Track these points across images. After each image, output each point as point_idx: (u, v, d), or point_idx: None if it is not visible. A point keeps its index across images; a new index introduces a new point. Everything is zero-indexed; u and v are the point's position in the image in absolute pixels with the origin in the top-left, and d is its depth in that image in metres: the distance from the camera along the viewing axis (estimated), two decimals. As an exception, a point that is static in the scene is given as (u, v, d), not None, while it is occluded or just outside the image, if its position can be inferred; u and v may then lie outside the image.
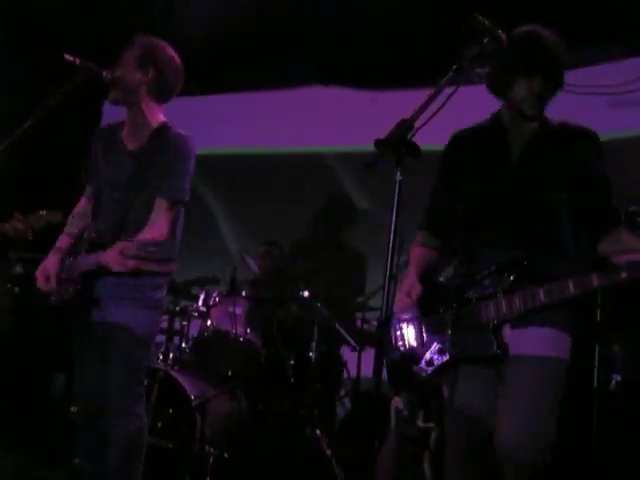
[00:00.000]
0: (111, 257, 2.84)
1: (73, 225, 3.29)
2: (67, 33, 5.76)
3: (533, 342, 2.34)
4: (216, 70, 6.38)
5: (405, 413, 4.21)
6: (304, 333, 4.86)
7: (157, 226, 3.00)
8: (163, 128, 3.15)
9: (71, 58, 3.05)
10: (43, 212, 3.24)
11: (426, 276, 2.55)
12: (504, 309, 2.33)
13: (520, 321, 2.35)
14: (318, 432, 4.51)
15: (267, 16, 5.87)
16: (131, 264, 2.82)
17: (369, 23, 5.61)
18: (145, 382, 3.20)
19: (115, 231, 3.02)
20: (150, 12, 5.94)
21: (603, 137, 2.60)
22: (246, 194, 6.53)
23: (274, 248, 5.72)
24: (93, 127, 6.72)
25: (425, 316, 2.50)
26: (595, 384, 3.84)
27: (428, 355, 2.45)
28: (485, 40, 2.30)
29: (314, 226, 6.22)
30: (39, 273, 3.13)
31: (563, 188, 2.44)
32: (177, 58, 3.20)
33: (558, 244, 2.45)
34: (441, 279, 2.64)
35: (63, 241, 3.24)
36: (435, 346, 2.44)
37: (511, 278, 2.35)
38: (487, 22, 2.31)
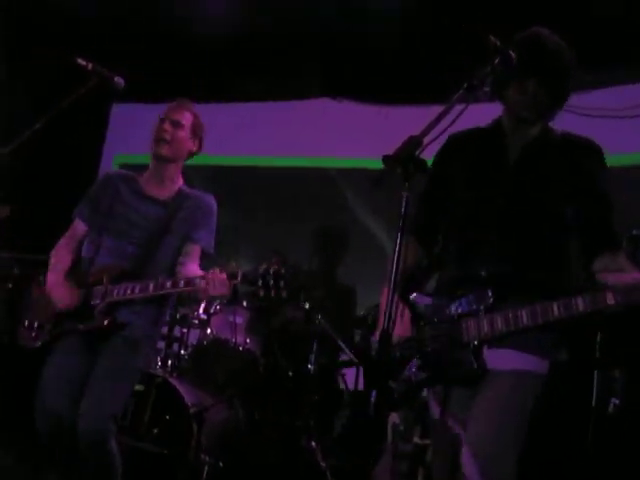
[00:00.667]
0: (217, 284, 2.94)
1: (59, 263, 3.37)
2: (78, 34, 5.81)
3: (508, 358, 2.27)
4: (226, 80, 6.40)
5: (401, 428, 4.21)
6: (304, 345, 4.85)
7: (194, 267, 3.25)
8: (187, 188, 3.45)
9: (83, 62, 3.11)
10: None
11: (408, 288, 2.47)
12: (485, 329, 2.25)
13: (499, 342, 2.27)
14: (314, 444, 4.50)
15: (278, 28, 5.90)
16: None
17: (381, 38, 5.63)
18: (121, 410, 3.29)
19: (141, 267, 3.22)
20: (163, 20, 5.96)
21: (609, 159, 2.54)
22: (248, 204, 6.54)
23: (279, 257, 5.71)
24: (100, 130, 6.82)
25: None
26: (593, 407, 3.83)
27: (406, 372, 2.40)
28: (496, 60, 2.30)
29: (316, 239, 6.22)
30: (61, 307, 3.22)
31: (562, 197, 2.37)
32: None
33: (549, 255, 2.38)
34: (423, 292, 2.54)
35: (58, 275, 3.32)
36: (414, 362, 2.38)
37: (493, 296, 2.27)
38: (499, 42, 2.31)
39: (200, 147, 3.47)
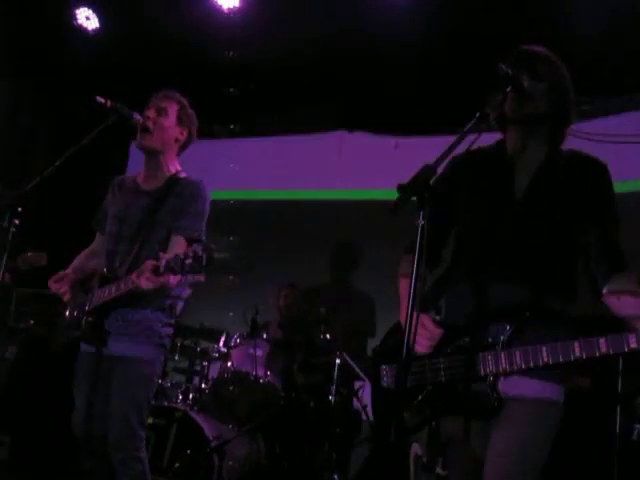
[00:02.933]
0: (143, 277, 2.85)
1: (79, 262, 3.37)
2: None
3: (525, 386, 2.22)
4: (243, 114, 6.49)
5: (424, 460, 4.16)
6: (324, 377, 4.84)
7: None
8: (178, 175, 3.31)
9: (102, 100, 3.15)
10: (30, 254, 3.30)
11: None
12: (503, 364, 2.19)
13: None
14: (336, 477, 4.48)
15: (295, 62, 5.98)
16: (161, 280, 2.84)
17: (393, 71, 5.70)
18: (149, 422, 3.24)
19: (128, 265, 3.11)
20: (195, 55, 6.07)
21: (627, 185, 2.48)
22: (262, 237, 6.58)
23: (294, 290, 5.76)
24: (121, 167, 6.91)
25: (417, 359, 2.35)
26: (617, 434, 3.78)
27: (417, 403, 2.34)
28: (508, 89, 2.31)
29: (329, 271, 6.24)
30: (52, 279, 3.20)
31: (572, 223, 2.32)
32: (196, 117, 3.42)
33: (562, 282, 2.33)
34: (436, 318, 2.46)
35: (72, 269, 3.31)
36: (425, 393, 2.33)
37: (511, 329, 2.23)
38: (510, 71, 2.32)
39: (190, 136, 3.35)
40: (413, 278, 1.93)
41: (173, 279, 2.88)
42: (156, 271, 2.77)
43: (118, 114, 3.18)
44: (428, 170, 1.96)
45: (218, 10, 5.79)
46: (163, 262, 2.73)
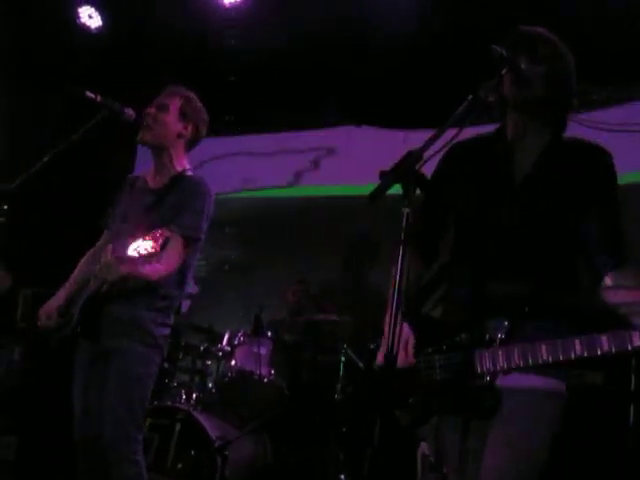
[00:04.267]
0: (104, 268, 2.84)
1: (79, 271, 3.32)
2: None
3: (524, 378, 2.13)
4: (249, 109, 6.43)
5: (431, 459, 4.08)
6: (330, 375, 4.76)
7: (168, 259, 3.01)
8: (184, 172, 3.24)
9: (92, 95, 3.09)
10: None
11: (412, 309, 2.34)
12: (501, 362, 2.11)
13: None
14: (343, 477, 4.40)
15: (299, 56, 5.92)
16: (125, 269, 2.84)
17: (400, 63, 5.62)
18: (144, 427, 3.22)
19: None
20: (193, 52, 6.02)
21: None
22: (270, 235, 6.52)
23: (304, 285, 5.69)
24: (127, 165, 6.89)
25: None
26: (630, 430, 3.70)
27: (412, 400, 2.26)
28: (503, 71, 2.22)
29: (338, 268, 6.17)
30: (42, 311, 3.15)
31: (574, 213, 2.22)
32: (205, 111, 3.34)
33: (563, 273, 2.24)
34: (430, 313, 2.40)
35: (70, 284, 3.25)
36: (420, 392, 2.24)
37: (509, 325, 2.14)
38: (505, 52, 2.23)
39: (196, 132, 3.28)
40: (399, 266, 1.85)
41: (147, 268, 2.85)
42: (120, 260, 2.73)
43: (109, 109, 3.13)
44: (412, 156, 1.88)
45: (221, 6, 5.75)
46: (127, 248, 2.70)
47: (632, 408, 3.80)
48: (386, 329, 2.02)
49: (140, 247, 2.80)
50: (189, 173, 3.26)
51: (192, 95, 3.33)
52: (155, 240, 2.79)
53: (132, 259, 2.81)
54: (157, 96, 3.32)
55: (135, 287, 3.00)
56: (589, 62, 2.52)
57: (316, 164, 6.53)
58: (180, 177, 3.22)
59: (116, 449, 2.97)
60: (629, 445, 3.68)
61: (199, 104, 3.33)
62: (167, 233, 2.84)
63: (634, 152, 4.77)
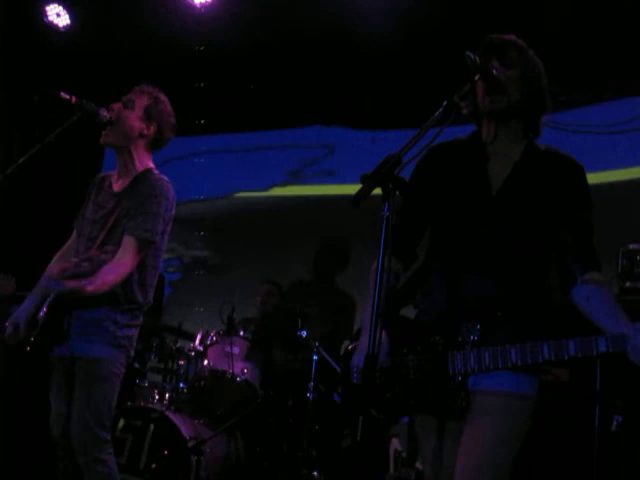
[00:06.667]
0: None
1: (50, 269, 3.30)
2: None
3: (497, 380, 2.20)
4: (214, 109, 6.43)
5: (404, 454, 4.14)
6: (302, 374, 4.80)
7: (120, 264, 3.03)
8: (146, 172, 3.23)
9: (67, 96, 3.08)
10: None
11: (389, 309, 2.40)
12: (472, 363, 2.18)
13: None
14: (316, 474, 4.44)
15: (269, 56, 5.93)
16: (71, 284, 2.89)
17: (370, 63, 5.66)
18: (113, 426, 3.24)
19: (89, 266, 3.06)
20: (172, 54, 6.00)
21: (604, 176, 2.47)
22: (241, 235, 6.53)
23: (273, 287, 5.71)
24: (96, 167, 6.84)
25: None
26: (596, 424, 3.77)
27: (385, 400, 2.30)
28: (476, 77, 2.27)
29: (309, 268, 6.19)
30: (9, 323, 3.12)
31: (547, 221, 2.28)
32: (173, 115, 3.33)
33: (534, 280, 2.30)
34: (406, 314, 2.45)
35: (35, 291, 3.22)
36: (394, 391, 2.29)
37: (480, 328, 2.20)
38: (478, 59, 2.28)
39: (160, 133, 3.25)
40: (378, 272, 1.89)
41: (96, 282, 2.92)
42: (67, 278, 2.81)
43: (84, 110, 3.12)
44: (392, 160, 1.92)
45: (190, 5, 5.72)
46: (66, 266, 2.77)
47: (597, 403, 3.87)
48: (367, 324, 2.05)
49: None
50: (153, 172, 3.23)
51: (163, 97, 3.31)
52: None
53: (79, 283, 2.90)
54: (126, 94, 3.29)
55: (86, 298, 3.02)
56: (557, 65, 2.58)
57: (285, 164, 6.55)
58: (141, 178, 3.20)
59: (85, 450, 2.99)
60: (595, 438, 3.75)
61: (168, 107, 3.31)
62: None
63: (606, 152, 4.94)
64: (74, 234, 3.36)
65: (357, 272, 5.73)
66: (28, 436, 5.15)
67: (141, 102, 3.23)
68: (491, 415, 2.19)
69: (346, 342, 5.03)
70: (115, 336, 3.07)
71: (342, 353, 2.61)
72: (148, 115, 3.23)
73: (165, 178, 3.21)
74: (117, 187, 3.24)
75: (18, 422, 5.37)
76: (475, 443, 2.18)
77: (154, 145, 3.31)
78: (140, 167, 3.24)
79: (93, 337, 3.04)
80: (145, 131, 3.23)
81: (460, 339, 2.23)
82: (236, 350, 4.74)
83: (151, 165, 3.28)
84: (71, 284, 2.93)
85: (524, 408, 2.25)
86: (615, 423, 3.74)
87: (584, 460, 3.77)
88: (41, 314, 3.00)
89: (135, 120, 3.20)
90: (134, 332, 3.18)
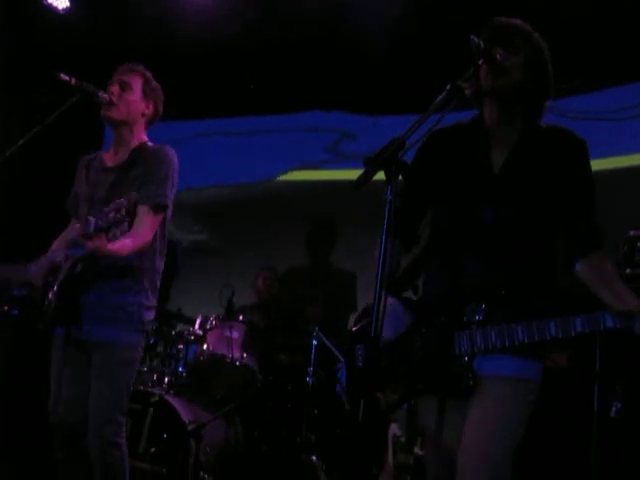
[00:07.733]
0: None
1: (52, 252, 3.24)
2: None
3: (502, 364, 2.21)
4: (216, 94, 6.39)
5: (402, 440, 4.14)
6: (301, 358, 4.80)
7: (140, 233, 2.99)
8: (144, 144, 3.24)
9: (66, 77, 3.07)
10: None
11: (392, 293, 2.35)
12: (478, 343, 2.18)
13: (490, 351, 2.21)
14: (315, 459, 4.45)
15: (268, 42, 5.90)
16: (92, 244, 2.74)
17: (370, 47, 5.62)
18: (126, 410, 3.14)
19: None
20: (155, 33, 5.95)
21: (605, 163, 2.46)
22: (239, 220, 6.51)
23: (272, 272, 5.72)
24: (96, 147, 6.80)
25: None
26: (595, 409, 3.78)
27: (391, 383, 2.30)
28: (480, 61, 2.26)
29: (307, 251, 6.19)
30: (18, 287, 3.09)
31: (549, 201, 2.29)
32: (161, 90, 3.36)
33: (538, 261, 2.30)
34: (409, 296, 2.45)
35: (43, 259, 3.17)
36: (399, 374, 2.29)
37: (485, 308, 2.20)
38: (482, 44, 2.26)
39: (156, 110, 3.31)
40: (381, 255, 1.88)
41: (116, 245, 2.80)
42: (86, 236, 2.69)
43: (83, 91, 3.11)
44: (396, 143, 1.91)
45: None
46: (91, 225, 2.66)
47: (596, 389, 3.87)
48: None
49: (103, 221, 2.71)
50: (150, 144, 3.25)
51: (149, 74, 3.33)
52: (118, 210, 2.66)
53: (99, 236, 2.72)
54: (115, 73, 3.27)
55: (106, 265, 2.99)
56: (561, 52, 2.56)
57: (285, 149, 6.53)
58: (140, 149, 3.22)
59: (102, 433, 2.98)
60: (594, 424, 3.76)
61: (156, 83, 3.34)
62: (133, 198, 2.69)
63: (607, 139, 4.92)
64: (73, 221, 3.33)
65: (352, 254, 5.74)
66: (26, 424, 5.16)
67: (137, 83, 3.25)
68: (496, 399, 2.20)
69: (351, 321, 5.05)
70: (142, 321, 3.09)
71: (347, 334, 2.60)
72: (145, 94, 3.26)
73: (166, 145, 3.23)
74: (112, 162, 3.24)
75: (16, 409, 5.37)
76: (480, 428, 2.18)
77: (151, 121, 3.34)
78: (137, 141, 3.26)
79: (120, 323, 3.03)
80: (146, 110, 3.27)
81: (465, 319, 2.22)
82: (235, 335, 4.74)
83: (145, 138, 3.30)
84: (90, 244, 2.76)
85: (529, 392, 2.26)
86: (614, 409, 3.74)
87: (582, 445, 3.78)
88: (50, 295, 2.96)
89: (136, 101, 3.23)
90: (154, 314, 3.21)
